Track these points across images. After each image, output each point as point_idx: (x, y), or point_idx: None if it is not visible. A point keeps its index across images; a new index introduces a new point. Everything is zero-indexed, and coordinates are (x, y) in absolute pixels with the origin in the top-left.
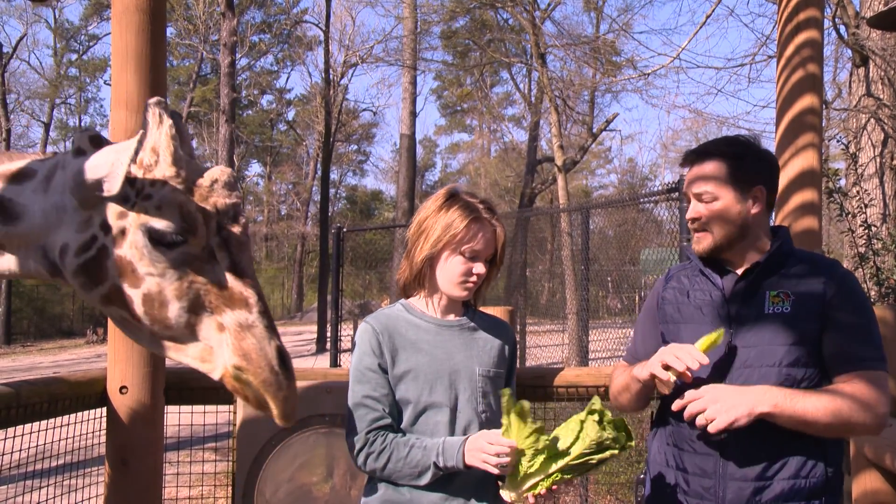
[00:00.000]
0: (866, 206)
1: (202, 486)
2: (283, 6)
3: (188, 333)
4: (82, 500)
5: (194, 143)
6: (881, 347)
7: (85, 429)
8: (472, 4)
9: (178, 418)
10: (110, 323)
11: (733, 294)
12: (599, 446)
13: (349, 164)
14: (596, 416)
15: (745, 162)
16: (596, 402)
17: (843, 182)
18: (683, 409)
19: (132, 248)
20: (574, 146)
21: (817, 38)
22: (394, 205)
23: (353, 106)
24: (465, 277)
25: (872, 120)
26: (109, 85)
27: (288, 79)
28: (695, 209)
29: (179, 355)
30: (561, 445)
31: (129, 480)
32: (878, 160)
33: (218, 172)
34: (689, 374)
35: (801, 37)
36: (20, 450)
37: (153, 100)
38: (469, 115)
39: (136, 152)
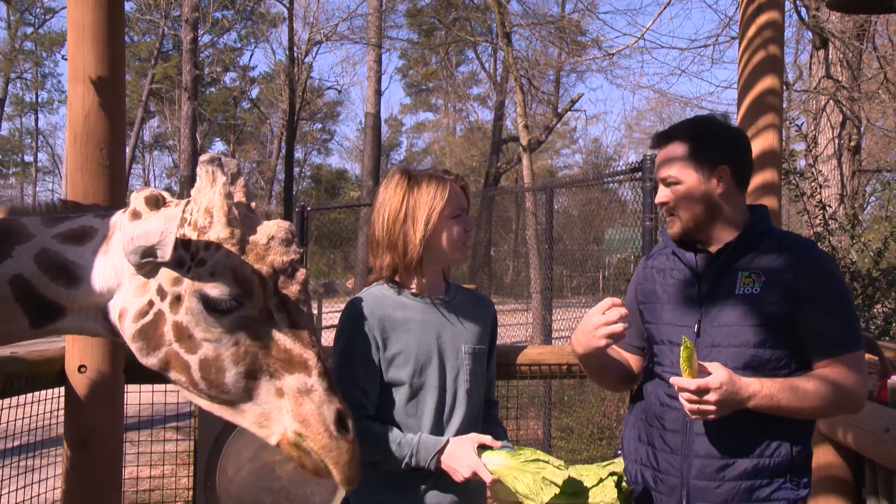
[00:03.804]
0: (821, 186)
1: (164, 465)
2: None
3: (246, 398)
4: (40, 481)
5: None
6: (857, 327)
7: (42, 408)
8: None
9: (139, 397)
10: None
11: (705, 274)
12: None
13: (314, 142)
14: (616, 479)
15: (705, 142)
16: (619, 465)
17: (802, 163)
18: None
19: (188, 313)
20: (539, 126)
21: (778, 19)
22: (359, 184)
23: (318, 84)
24: (462, 237)
25: (832, 102)
26: (67, 60)
27: (251, 56)
28: (662, 193)
29: (236, 419)
30: (573, 489)
31: (88, 460)
32: (836, 142)
33: (274, 228)
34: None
35: (763, 18)
36: None
37: (206, 157)
38: (434, 94)
39: (188, 212)
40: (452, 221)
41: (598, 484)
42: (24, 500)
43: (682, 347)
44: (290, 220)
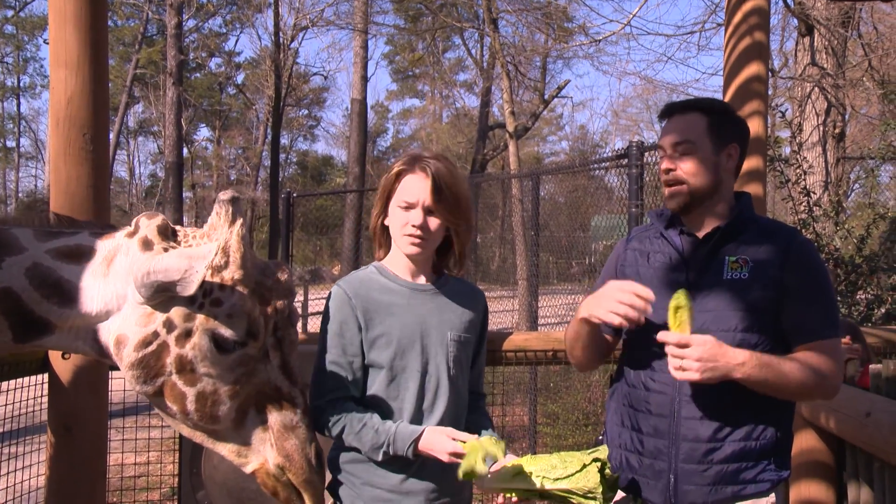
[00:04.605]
0: (805, 173)
1: (149, 452)
2: None
3: (231, 430)
4: (24, 468)
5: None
6: (836, 315)
7: (26, 395)
8: None
9: (124, 384)
10: None
11: (692, 258)
12: (586, 494)
13: (300, 128)
14: (599, 466)
15: (724, 118)
16: (603, 452)
17: (787, 150)
18: (641, 368)
19: (195, 349)
20: (526, 112)
21: (764, 6)
22: (345, 170)
23: (304, 70)
24: (406, 230)
25: (817, 89)
26: (48, 44)
27: (237, 41)
28: (668, 162)
29: (216, 446)
30: (553, 475)
31: (73, 447)
32: (821, 129)
33: (280, 273)
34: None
35: (749, 5)
36: None
37: (226, 196)
38: (421, 80)
39: (212, 261)
40: (400, 210)
41: (581, 470)
42: (7, 487)
43: (672, 298)
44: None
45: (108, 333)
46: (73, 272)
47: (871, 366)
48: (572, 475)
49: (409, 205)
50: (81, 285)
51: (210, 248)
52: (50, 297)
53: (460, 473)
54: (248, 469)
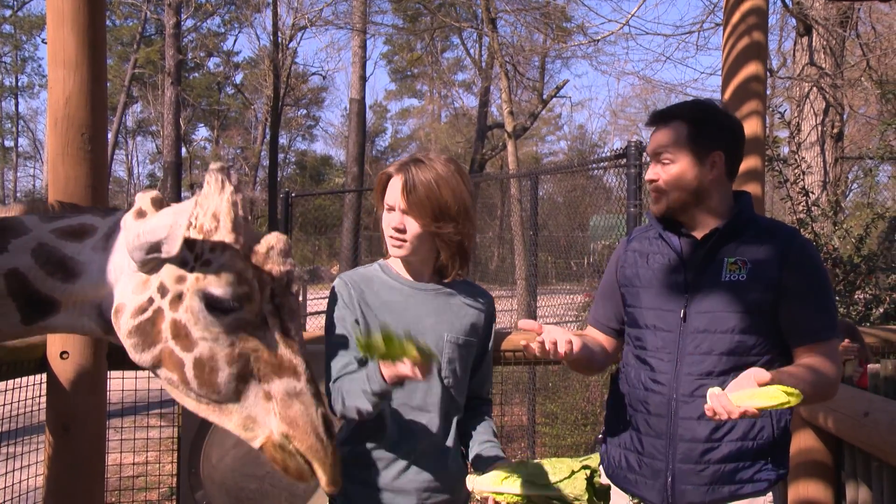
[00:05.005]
0: (804, 173)
1: (147, 451)
2: None
3: (234, 400)
4: (22, 468)
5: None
6: (835, 316)
7: (24, 395)
8: None
9: (122, 384)
10: None
11: (691, 259)
12: (573, 501)
13: (298, 128)
14: (587, 473)
15: (706, 127)
16: (595, 460)
17: (785, 150)
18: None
19: (188, 312)
20: (524, 112)
21: (762, 6)
22: (344, 170)
23: (302, 70)
24: (388, 231)
25: (815, 89)
26: (46, 43)
27: (235, 41)
28: (652, 171)
29: (223, 420)
30: (542, 480)
31: (71, 447)
32: (819, 129)
33: (274, 240)
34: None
35: (747, 5)
36: None
37: (215, 165)
38: (419, 80)
39: (194, 213)
40: (385, 214)
41: (569, 476)
42: (6, 487)
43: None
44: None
45: (109, 307)
46: (76, 249)
47: (869, 365)
48: (560, 481)
49: (388, 207)
50: (84, 260)
51: (191, 202)
52: (54, 274)
53: (361, 345)
54: (256, 443)
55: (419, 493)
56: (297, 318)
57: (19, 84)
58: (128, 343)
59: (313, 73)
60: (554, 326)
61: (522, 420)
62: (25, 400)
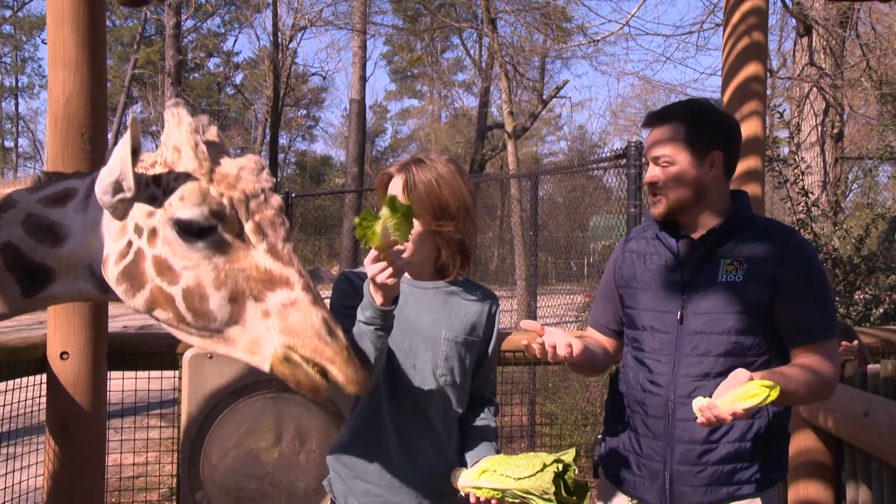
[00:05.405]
0: (803, 173)
1: (147, 452)
2: None
3: (233, 324)
4: (22, 468)
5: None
6: (833, 316)
7: (24, 395)
8: None
9: (122, 384)
10: None
11: (687, 260)
12: (542, 495)
13: (298, 129)
14: (559, 467)
15: (703, 126)
16: (569, 455)
17: (785, 150)
18: (639, 370)
19: (165, 244)
20: (524, 113)
21: (762, 6)
22: (343, 170)
23: (302, 70)
24: None
25: (815, 89)
26: (46, 44)
27: (235, 41)
28: (651, 173)
29: (229, 349)
30: (516, 474)
31: (71, 447)
32: (819, 129)
33: (244, 160)
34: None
35: (747, 5)
36: None
37: (171, 101)
38: (419, 80)
39: (160, 151)
40: None
41: (541, 470)
42: (6, 488)
43: (759, 385)
44: None
45: (98, 264)
46: (61, 214)
47: (869, 366)
48: (532, 476)
49: None
50: (68, 223)
51: (126, 135)
52: (43, 241)
53: (357, 233)
54: (265, 365)
55: (419, 493)
56: (284, 231)
57: (19, 84)
58: (119, 291)
59: (313, 74)
60: (555, 329)
61: (522, 420)
62: (25, 400)
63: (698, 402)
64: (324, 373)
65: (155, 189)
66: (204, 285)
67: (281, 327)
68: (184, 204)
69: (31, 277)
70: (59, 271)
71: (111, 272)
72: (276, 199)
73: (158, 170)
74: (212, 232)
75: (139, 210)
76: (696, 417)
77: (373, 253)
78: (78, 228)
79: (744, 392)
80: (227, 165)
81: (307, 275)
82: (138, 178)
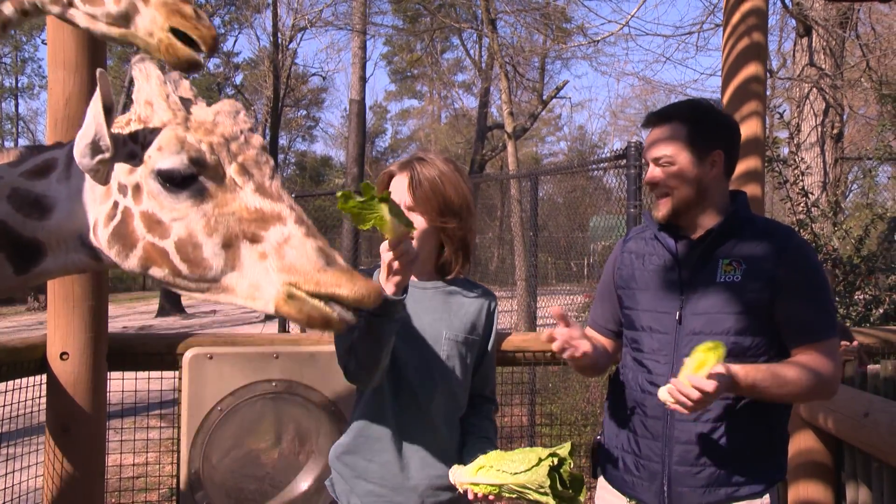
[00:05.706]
0: (803, 174)
1: (147, 452)
2: None
3: (230, 271)
4: (22, 469)
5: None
6: (833, 315)
7: (24, 395)
8: None
9: (122, 384)
10: (50, 288)
11: (686, 260)
12: (538, 489)
13: (298, 129)
14: (555, 461)
15: (704, 126)
16: (565, 449)
17: (785, 151)
18: (637, 370)
19: (150, 198)
20: (524, 113)
21: (762, 7)
22: (343, 171)
23: (302, 70)
24: None
25: (815, 90)
26: (46, 44)
27: (235, 42)
28: (652, 173)
29: (231, 297)
30: (512, 469)
31: (71, 448)
32: (819, 129)
33: (219, 105)
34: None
35: (747, 5)
36: None
37: (136, 58)
38: (419, 81)
39: (133, 109)
40: None
41: (537, 464)
42: (6, 488)
43: (702, 350)
44: None
45: (88, 231)
46: (45, 185)
47: (869, 367)
48: (528, 470)
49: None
50: (52, 194)
51: (96, 93)
52: (31, 215)
53: (367, 224)
54: (269, 308)
55: (421, 491)
56: (269, 168)
57: (19, 85)
58: (112, 254)
59: (313, 74)
60: (577, 325)
61: (522, 420)
62: (25, 400)
63: (662, 391)
64: (334, 300)
65: (133, 146)
66: (196, 234)
67: (279, 266)
68: (162, 154)
69: (22, 254)
70: (49, 245)
71: (101, 236)
72: (258, 139)
73: (134, 127)
74: (195, 180)
75: (120, 169)
76: (669, 405)
77: (387, 242)
78: (63, 198)
79: (692, 365)
80: (202, 112)
81: (299, 208)
82: (115, 137)
